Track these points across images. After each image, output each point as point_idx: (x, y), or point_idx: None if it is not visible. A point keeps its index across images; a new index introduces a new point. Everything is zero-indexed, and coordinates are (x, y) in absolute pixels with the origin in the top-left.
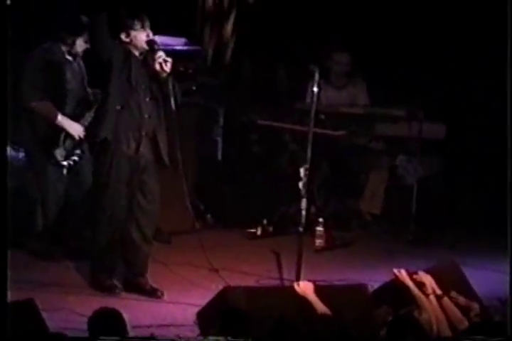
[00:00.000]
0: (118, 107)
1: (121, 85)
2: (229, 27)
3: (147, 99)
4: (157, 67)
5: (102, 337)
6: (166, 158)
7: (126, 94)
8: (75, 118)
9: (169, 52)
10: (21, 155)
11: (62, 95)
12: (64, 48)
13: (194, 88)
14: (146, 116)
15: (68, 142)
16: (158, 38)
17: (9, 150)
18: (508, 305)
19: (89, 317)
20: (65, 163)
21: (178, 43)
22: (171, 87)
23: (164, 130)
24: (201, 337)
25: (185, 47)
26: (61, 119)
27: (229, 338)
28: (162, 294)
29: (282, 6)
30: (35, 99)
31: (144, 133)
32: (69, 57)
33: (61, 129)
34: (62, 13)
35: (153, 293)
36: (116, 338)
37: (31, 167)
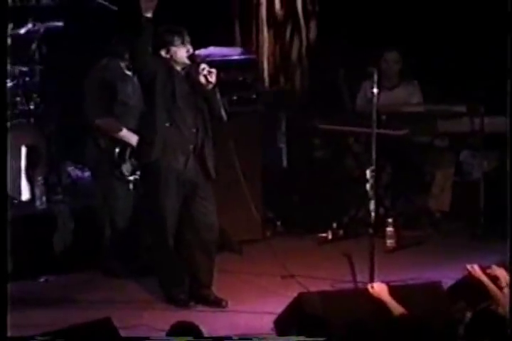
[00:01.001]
0: (167, 124)
1: (165, 101)
2: (287, 34)
3: (192, 114)
4: (202, 79)
5: None
6: (212, 172)
7: (171, 110)
8: (138, 132)
9: (226, 62)
10: (87, 174)
11: (124, 110)
12: (122, 64)
13: (254, 96)
14: (193, 130)
15: (133, 157)
16: (213, 49)
17: (75, 171)
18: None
19: (167, 331)
20: (131, 178)
21: (234, 53)
22: (218, 97)
23: (211, 143)
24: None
25: (241, 57)
26: (125, 133)
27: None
28: (226, 304)
29: (337, 9)
30: (99, 117)
31: (191, 148)
32: (128, 72)
33: (126, 144)
34: (121, 28)
35: (218, 304)
36: None
37: (98, 185)
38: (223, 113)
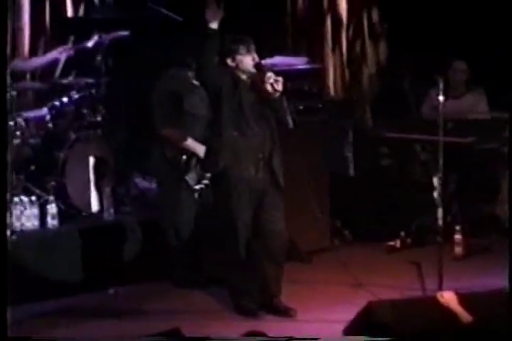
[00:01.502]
0: (234, 133)
1: (232, 111)
2: (354, 42)
3: (259, 122)
4: (268, 88)
5: None
6: (281, 180)
7: (238, 119)
8: (205, 142)
9: (291, 72)
10: (154, 185)
11: (192, 120)
12: (190, 74)
13: (320, 106)
14: (261, 139)
15: (199, 166)
16: (279, 59)
17: (142, 182)
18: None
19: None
20: (197, 187)
21: (299, 62)
22: (285, 105)
23: (279, 152)
24: None
25: (307, 66)
26: (191, 143)
27: None
28: (295, 313)
29: (405, 17)
30: (166, 127)
31: (260, 157)
32: (195, 82)
33: (192, 154)
34: (187, 39)
35: (286, 313)
36: None
37: (164, 195)
38: (290, 121)
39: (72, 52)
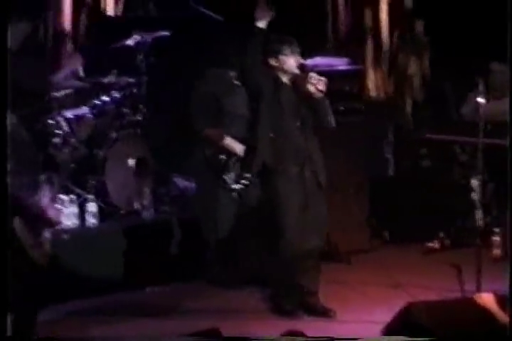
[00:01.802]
0: (274, 134)
1: (273, 111)
2: (394, 43)
3: (298, 124)
4: (311, 88)
5: None
6: (323, 181)
7: (278, 119)
8: (244, 141)
9: (332, 72)
10: (194, 184)
11: (232, 120)
12: (231, 74)
13: (360, 107)
14: (301, 140)
15: (237, 166)
16: (320, 59)
17: (182, 181)
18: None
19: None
20: (235, 186)
21: (340, 63)
22: (327, 106)
23: (320, 152)
24: None
25: (348, 67)
26: (230, 142)
27: None
28: (334, 314)
29: (446, 19)
30: (206, 127)
31: (302, 157)
32: (236, 82)
33: (230, 153)
34: (229, 38)
35: (325, 313)
36: None
37: (203, 195)
38: (332, 121)
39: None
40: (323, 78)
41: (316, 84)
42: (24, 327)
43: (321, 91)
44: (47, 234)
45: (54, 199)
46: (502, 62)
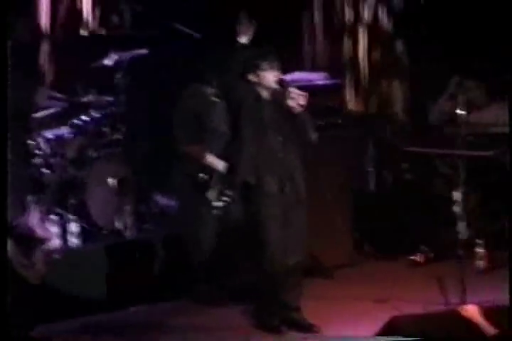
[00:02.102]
0: (255, 149)
1: (254, 127)
2: (374, 56)
3: (280, 138)
4: (291, 103)
5: None
6: (303, 196)
7: (260, 135)
8: (224, 157)
9: (311, 87)
10: (174, 202)
11: (213, 137)
12: (210, 91)
13: (340, 121)
14: (282, 155)
15: (219, 183)
16: (298, 74)
17: (163, 199)
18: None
19: None
20: (217, 203)
21: (319, 78)
22: (308, 120)
23: (301, 167)
24: None
25: (327, 81)
26: (212, 160)
27: None
28: (319, 329)
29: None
30: (187, 144)
31: (283, 172)
32: (216, 99)
33: (211, 170)
34: (208, 56)
35: (309, 329)
36: None
37: (185, 212)
38: (313, 136)
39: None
40: (303, 93)
41: (297, 99)
42: None
43: (301, 105)
44: (38, 253)
45: (42, 219)
46: (471, 78)
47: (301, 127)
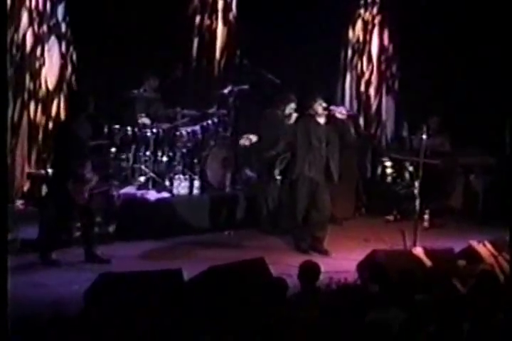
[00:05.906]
0: (306, 153)
1: (304, 144)
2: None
3: (323, 144)
4: (338, 116)
5: None
6: (335, 177)
7: (309, 143)
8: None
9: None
10: (255, 175)
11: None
12: (279, 112)
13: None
14: (323, 154)
15: (280, 166)
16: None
17: (249, 172)
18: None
19: (300, 265)
20: (279, 177)
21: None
22: (351, 128)
23: (337, 160)
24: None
25: (350, 113)
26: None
27: None
28: (330, 254)
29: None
30: (267, 150)
31: (322, 162)
32: (282, 118)
33: (276, 158)
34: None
35: (325, 253)
36: None
37: (260, 182)
38: (353, 141)
39: None
40: (343, 108)
41: (341, 114)
42: None
43: (345, 116)
44: (86, 187)
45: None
46: (436, 117)
47: (344, 135)
